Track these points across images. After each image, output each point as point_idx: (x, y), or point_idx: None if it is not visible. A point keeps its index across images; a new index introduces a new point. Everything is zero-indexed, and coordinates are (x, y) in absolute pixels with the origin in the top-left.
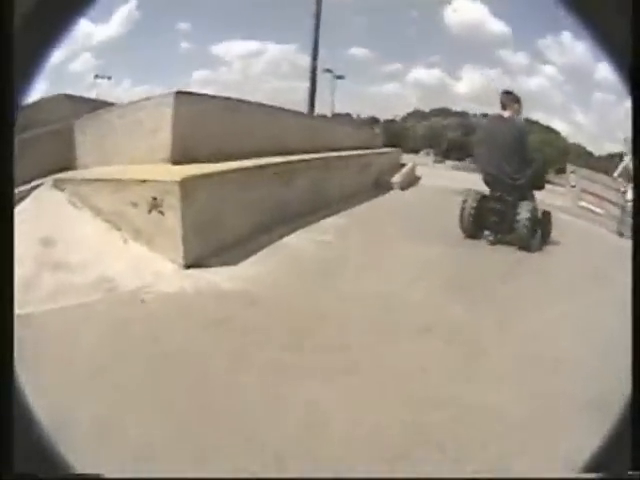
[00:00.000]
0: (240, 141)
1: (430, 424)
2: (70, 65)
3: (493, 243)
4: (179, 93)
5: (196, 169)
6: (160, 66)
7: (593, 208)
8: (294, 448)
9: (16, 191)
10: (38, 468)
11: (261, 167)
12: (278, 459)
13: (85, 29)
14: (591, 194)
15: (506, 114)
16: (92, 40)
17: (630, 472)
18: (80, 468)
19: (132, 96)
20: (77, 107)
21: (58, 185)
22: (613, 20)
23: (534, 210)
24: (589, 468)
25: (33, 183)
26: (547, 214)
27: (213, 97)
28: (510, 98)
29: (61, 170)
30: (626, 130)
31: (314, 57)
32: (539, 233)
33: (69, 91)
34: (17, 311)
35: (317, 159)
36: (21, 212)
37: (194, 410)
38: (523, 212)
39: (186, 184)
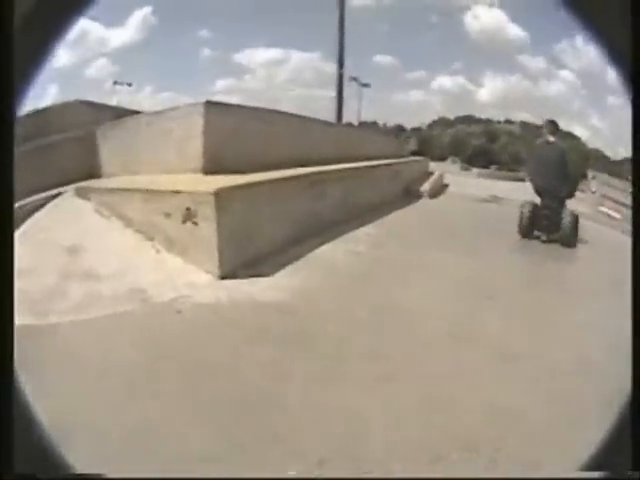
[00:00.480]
0: (271, 151)
1: (465, 427)
2: (85, 70)
3: (544, 241)
4: (209, 103)
5: (229, 180)
6: (182, 73)
7: (612, 213)
8: (336, 455)
9: (33, 198)
10: (38, 468)
11: (294, 178)
12: (321, 466)
13: (98, 34)
14: (610, 199)
15: (551, 139)
16: (107, 45)
17: (630, 472)
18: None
19: (155, 103)
20: (95, 114)
21: (82, 194)
22: (614, 23)
23: (573, 215)
24: (590, 467)
25: (52, 191)
26: (576, 217)
27: (243, 107)
28: (554, 126)
29: (83, 178)
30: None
31: (340, 65)
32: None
33: (86, 97)
34: (38, 321)
35: (348, 169)
36: (40, 220)
37: (235, 421)
38: (566, 217)
39: (221, 195)
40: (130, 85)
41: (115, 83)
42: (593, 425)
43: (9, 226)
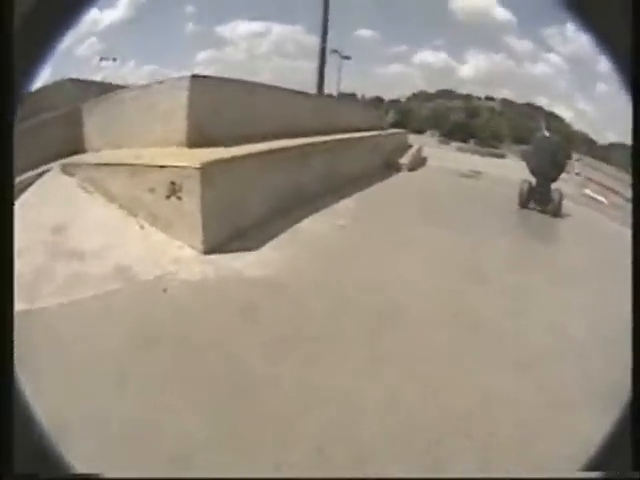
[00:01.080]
0: (254, 123)
1: (458, 412)
2: (76, 49)
3: (539, 212)
4: (195, 77)
5: (213, 153)
6: (165, 47)
7: (597, 197)
8: (333, 438)
9: (23, 177)
10: (38, 468)
11: (278, 150)
12: (319, 450)
13: (92, 16)
14: (595, 182)
15: (547, 134)
16: (98, 25)
17: (630, 472)
18: (108, 470)
19: (138, 77)
20: (82, 91)
21: (67, 170)
22: (613, 20)
23: (560, 193)
24: (590, 468)
25: (40, 169)
26: (561, 194)
27: (228, 80)
28: (549, 122)
29: (69, 154)
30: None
31: (323, 38)
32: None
33: (74, 75)
34: (27, 306)
35: (330, 141)
36: (28, 199)
37: (230, 403)
38: (555, 194)
39: (206, 169)
40: (115, 60)
41: (101, 59)
42: (580, 409)
43: (9, 226)
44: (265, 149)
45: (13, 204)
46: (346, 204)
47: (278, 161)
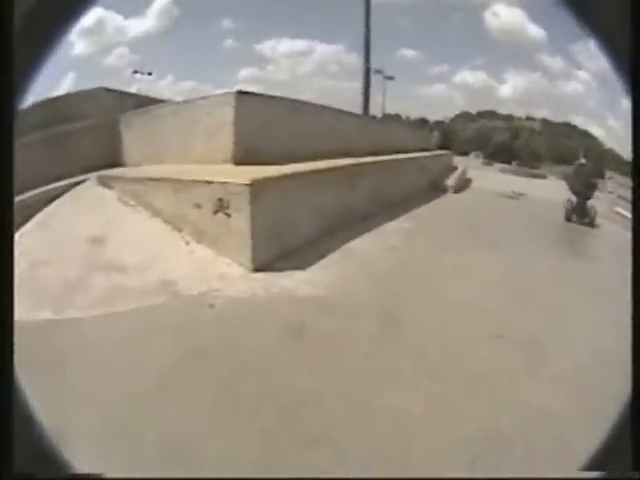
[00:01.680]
0: (301, 142)
1: (502, 427)
2: (104, 59)
3: (580, 224)
4: (240, 93)
5: (261, 171)
6: (203, 63)
7: (626, 213)
8: (379, 456)
9: (53, 186)
10: (38, 468)
11: (326, 170)
12: (364, 467)
13: (117, 22)
14: (625, 200)
15: (583, 161)
16: (126, 35)
17: (630, 472)
18: None
19: (176, 92)
20: (119, 101)
21: (106, 182)
22: (613, 21)
23: (594, 208)
24: (590, 468)
25: (72, 180)
26: (595, 209)
27: (274, 97)
28: (584, 152)
29: (104, 166)
30: None
31: (367, 58)
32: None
33: (105, 85)
34: (54, 316)
35: (378, 162)
36: (59, 209)
37: (278, 420)
38: (591, 209)
39: (255, 186)
40: (150, 74)
41: (135, 72)
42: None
43: (9, 225)
44: (314, 168)
45: (13, 204)
46: (395, 225)
47: (327, 180)
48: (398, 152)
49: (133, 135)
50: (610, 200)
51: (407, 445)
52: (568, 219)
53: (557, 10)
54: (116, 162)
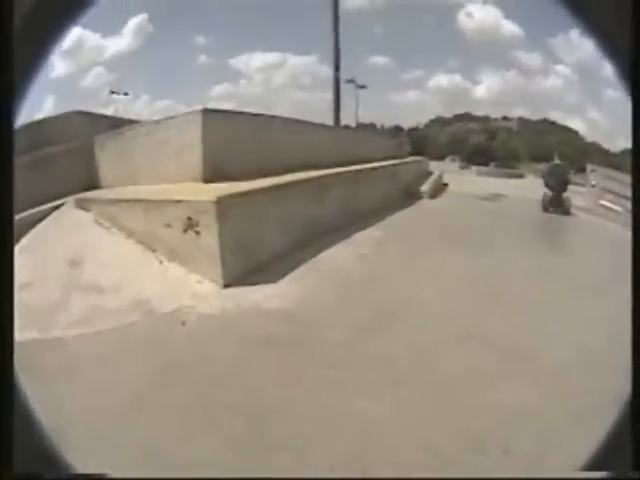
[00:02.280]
0: (270, 156)
1: (476, 429)
2: (82, 80)
3: (556, 213)
4: (207, 110)
5: (229, 187)
6: (179, 80)
7: (613, 206)
8: (347, 462)
9: (33, 211)
10: (38, 468)
11: (294, 183)
12: (331, 473)
13: (95, 42)
14: (611, 192)
15: (557, 162)
16: (103, 54)
17: (630, 472)
18: None
19: (152, 112)
20: (93, 124)
21: (83, 205)
22: (613, 20)
23: (568, 199)
24: (590, 467)
25: (52, 204)
26: (569, 199)
27: (241, 113)
28: (558, 155)
29: (82, 189)
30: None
31: (336, 68)
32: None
33: (83, 107)
34: (39, 335)
35: (347, 172)
36: (41, 233)
37: (248, 430)
38: (566, 200)
39: (222, 203)
40: (127, 94)
41: (112, 92)
42: (604, 420)
43: (9, 229)
44: (281, 182)
45: (12, 204)
46: (366, 234)
47: (295, 194)
48: (371, 161)
49: (107, 157)
50: (594, 193)
51: (373, 450)
52: (545, 210)
53: (533, 5)
54: (93, 185)
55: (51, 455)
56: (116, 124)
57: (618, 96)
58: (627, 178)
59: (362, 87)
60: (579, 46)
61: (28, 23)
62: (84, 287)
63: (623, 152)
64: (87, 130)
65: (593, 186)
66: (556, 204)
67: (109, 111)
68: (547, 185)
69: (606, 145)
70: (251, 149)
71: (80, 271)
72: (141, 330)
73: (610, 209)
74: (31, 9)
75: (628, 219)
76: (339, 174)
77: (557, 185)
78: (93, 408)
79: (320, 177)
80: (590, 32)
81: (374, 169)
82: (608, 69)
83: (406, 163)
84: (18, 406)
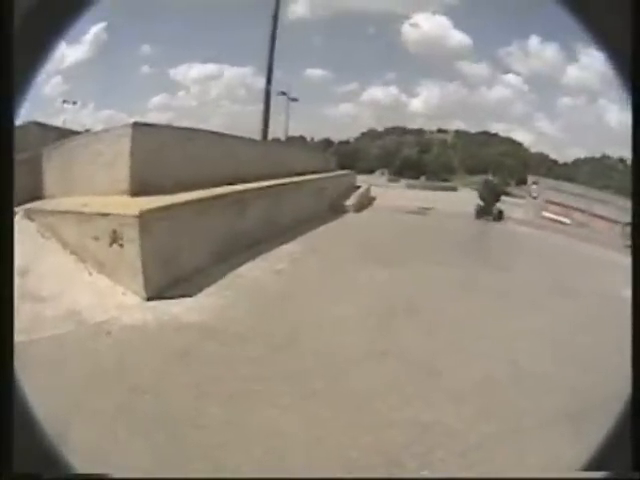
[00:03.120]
0: (196, 170)
1: (389, 444)
2: (43, 88)
3: (487, 220)
4: (136, 124)
5: (153, 201)
6: (122, 90)
7: (558, 218)
8: (257, 473)
9: None
10: (38, 468)
11: (216, 197)
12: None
13: (60, 51)
14: (556, 204)
15: (491, 178)
16: (63, 63)
17: (630, 472)
18: None
19: (95, 121)
20: (45, 135)
21: (29, 215)
22: (613, 20)
23: (498, 209)
24: (590, 467)
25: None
26: (500, 210)
27: (169, 127)
28: (492, 173)
29: (33, 199)
30: (596, 132)
31: (268, 81)
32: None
33: (40, 116)
34: None
35: (271, 186)
36: None
37: (166, 439)
38: (495, 210)
39: (144, 217)
40: (75, 103)
41: (64, 102)
42: (527, 438)
43: (9, 230)
44: (204, 196)
45: (13, 201)
46: (286, 249)
47: (217, 208)
48: (298, 175)
49: (52, 168)
50: (536, 205)
51: (282, 462)
52: (479, 217)
53: (489, 13)
54: (40, 195)
55: (51, 455)
56: (64, 135)
57: (575, 103)
58: (576, 189)
59: (294, 100)
60: (535, 54)
61: (28, 23)
62: (29, 296)
63: (575, 162)
64: (40, 141)
65: (534, 198)
66: (487, 213)
67: (60, 119)
68: (480, 197)
69: (555, 156)
70: (178, 163)
71: (26, 280)
72: (74, 339)
73: (554, 220)
74: (31, 9)
75: (576, 230)
76: (262, 188)
77: (489, 197)
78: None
79: (243, 191)
80: (592, 36)
81: (298, 183)
82: (566, 76)
83: (332, 177)
84: (18, 406)
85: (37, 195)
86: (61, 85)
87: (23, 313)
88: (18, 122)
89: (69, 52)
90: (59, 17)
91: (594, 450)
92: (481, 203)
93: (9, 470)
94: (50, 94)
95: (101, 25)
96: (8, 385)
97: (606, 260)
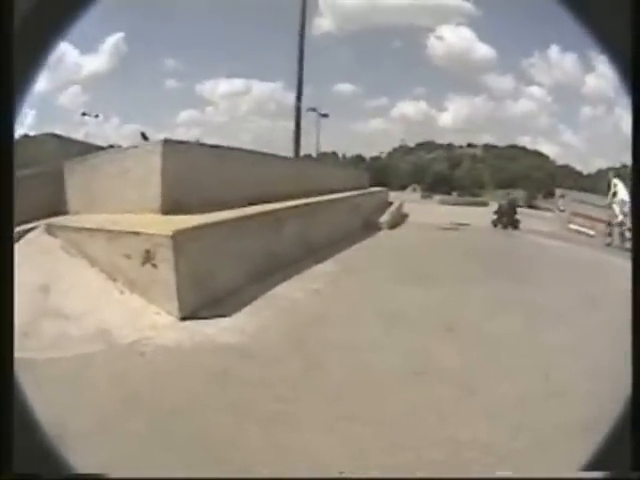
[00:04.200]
0: (228, 189)
1: (429, 462)
2: (59, 97)
3: (504, 228)
4: (167, 141)
5: (186, 220)
6: (147, 104)
7: (584, 230)
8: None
9: None
10: (38, 468)
11: (250, 217)
12: None
13: (74, 58)
14: (582, 216)
15: (511, 195)
16: (80, 72)
17: (630, 472)
18: None
19: (120, 136)
20: (65, 148)
21: (51, 231)
22: (613, 20)
23: (517, 220)
24: (590, 467)
25: (24, 227)
26: (518, 220)
27: (200, 145)
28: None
29: (53, 214)
30: (616, 141)
31: (298, 97)
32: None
33: (57, 127)
34: (17, 354)
35: (304, 205)
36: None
37: (201, 463)
38: (515, 221)
39: (178, 237)
40: (97, 117)
41: (83, 114)
42: (559, 452)
43: (9, 233)
44: (238, 215)
45: (12, 202)
46: (321, 268)
47: (251, 227)
48: (330, 193)
49: (75, 183)
50: (563, 218)
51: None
52: (495, 225)
53: (511, 24)
54: (62, 210)
55: (51, 455)
56: (87, 149)
57: (595, 113)
58: (600, 200)
59: (324, 116)
60: (556, 64)
61: (28, 23)
62: (52, 313)
63: (598, 173)
64: (59, 154)
65: (562, 211)
66: (506, 223)
67: (81, 133)
68: (500, 210)
69: (579, 167)
70: (209, 181)
71: (48, 297)
72: (103, 359)
73: (580, 232)
74: (31, 9)
75: (600, 241)
76: (296, 207)
77: (508, 211)
78: (56, 429)
79: (277, 210)
80: (590, 32)
81: (331, 201)
82: (586, 85)
83: (366, 194)
84: (18, 406)
85: (58, 210)
86: (80, 96)
87: (47, 330)
88: (34, 132)
89: (85, 61)
90: (59, 17)
91: (594, 450)
92: (494, 216)
93: (9, 470)
94: (68, 105)
95: (119, 35)
96: (8, 385)
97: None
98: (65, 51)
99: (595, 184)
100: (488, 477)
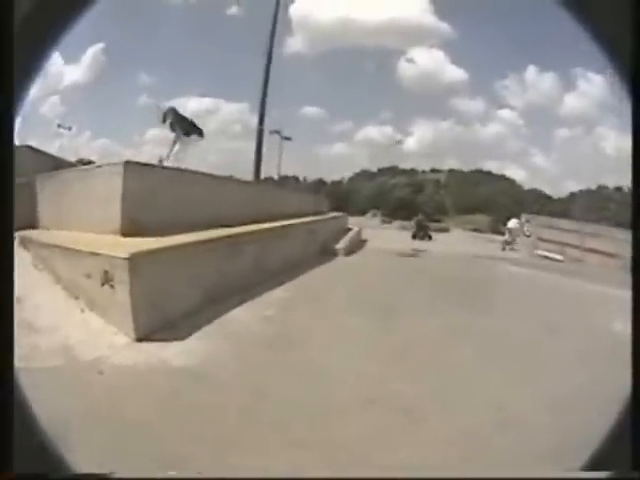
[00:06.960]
0: (188, 212)
1: None
2: (40, 106)
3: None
4: (128, 163)
5: (144, 243)
6: (118, 119)
7: (551, 255)
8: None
9: None
10: (39, 468)
11: (207, 241)
12: None
13: (58, 67)
14: (549, 241)
15: (420, 217)
16: (61, 81)
17: (630, 472)
18: None
19: (90, 151)
20: (38, 162)
21: (24, 244)
22: (613, 20)
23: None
24: (590, 467)
25: None
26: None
27: (162, 168)
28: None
29: (27, 227)
30: (593, 162)
31: (260, 121)
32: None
33: (34, 138)
34: None
35: (262, 230)
36: None
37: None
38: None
39: (135, 260)
40: (70, 129)
41: (58, 126)
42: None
43: (9, 234)
44: (195, 239)
45: (13, 203)
46: (274, 294)
47: (207, 251)
48: (289, 217)
49: (45, 198)
50: (529, 244)
51: None
52: (414, 238)
53: (486, 45)
54: (35, 224)
55: (51, 455)
56: (59, 164)
57: (573, 134)
58: (569, 224)
59: (287, 139)
60: (532, 85)
61: (28, 23)
62: (25, 325)
63: (570, 197)
64: (34, 167)
65: (528, 236)
66: (420, 236)
67: (56, 144)
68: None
69: (550, 191)
70: (169, 203)
71: (21, 309)
72: (67, 374)
73: (548, 257)
74: (31, 9)
75: (568, 267)
76: (253, 232)
77: (419, 230)
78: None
79: (232, 235)
80: (589, 32)
81: (288, 227)
82: (563, 106)
83: (324, 220)
84: (18, 406)
85: (31, 223)
86: (58, 106)
87: (22, 342)
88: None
89: (67, 70)
90: (59, 17)
91: (594, 450)
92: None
93: (9, 470)
94: (47, 115)
95: (99, 46)
96: (8, 386)
97: (593, 295)
98: (53, 58)
99: (567, 208)
100: (488, 477)
